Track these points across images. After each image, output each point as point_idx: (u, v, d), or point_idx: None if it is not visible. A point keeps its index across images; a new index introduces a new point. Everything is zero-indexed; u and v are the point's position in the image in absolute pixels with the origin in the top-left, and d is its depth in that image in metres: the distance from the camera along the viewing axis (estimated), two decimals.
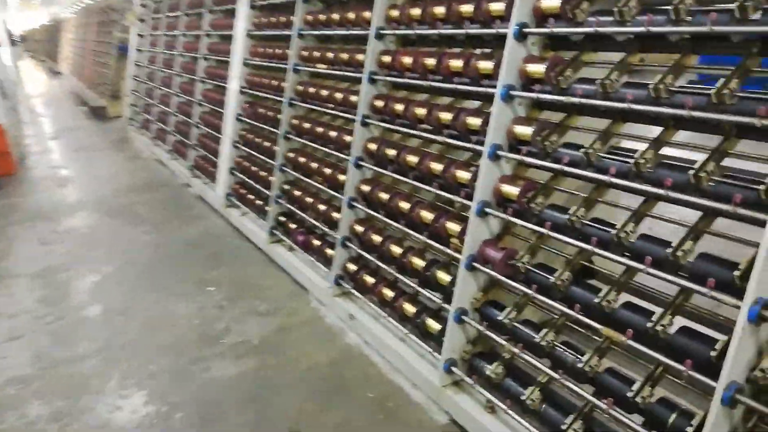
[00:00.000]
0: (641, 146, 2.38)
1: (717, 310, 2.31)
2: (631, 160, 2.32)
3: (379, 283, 3.75)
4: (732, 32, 2.13)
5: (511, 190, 2.82)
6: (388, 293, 3.64)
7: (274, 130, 5.27)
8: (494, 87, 2.90)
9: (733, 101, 2.07)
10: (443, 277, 3.22)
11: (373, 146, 3.89)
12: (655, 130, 2.41)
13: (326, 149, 4.48)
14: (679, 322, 2.23)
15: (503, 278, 2.81)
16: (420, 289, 3.38)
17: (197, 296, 4.55)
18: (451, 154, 3.50)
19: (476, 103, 3.36)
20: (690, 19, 2.17)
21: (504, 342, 2.80)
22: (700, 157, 2.16)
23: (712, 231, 2.23)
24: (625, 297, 2.45)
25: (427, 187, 3.38)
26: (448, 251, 3.16)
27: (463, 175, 3.10)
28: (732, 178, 2.05)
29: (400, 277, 3.56)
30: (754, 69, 2.13)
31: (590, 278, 2.71)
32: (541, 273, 2.66)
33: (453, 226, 3.15)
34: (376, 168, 3.85)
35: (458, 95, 3.50)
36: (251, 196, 5.74)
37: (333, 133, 4.38)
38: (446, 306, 3.11)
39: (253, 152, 5.70)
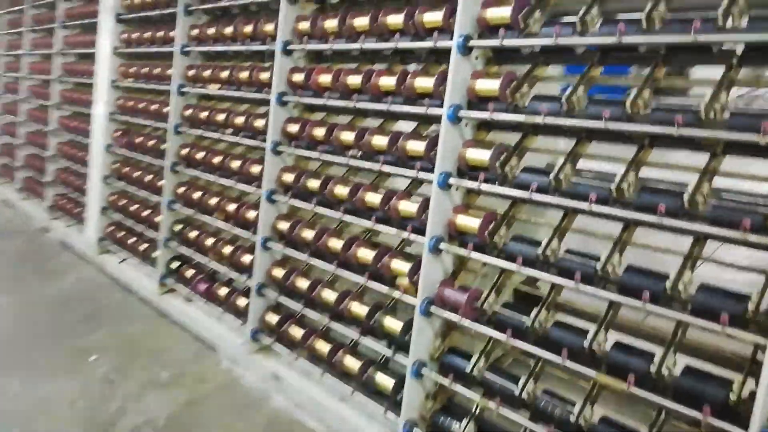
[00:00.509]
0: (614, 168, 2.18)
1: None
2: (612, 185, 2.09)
3: (309, 335, 3.25)
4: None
5: (470, 222, 2.49)
6: (323, 346, 3.15)
7: (158, 162, 4.56)
8: (437, 107, 2.58)
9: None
10: (391, 324, 2.81)
11: (289, 177, 3.40)
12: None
13: (227, 182, 3.89)
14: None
15: (469, 322, 2.46)
16: (362, 338, 2.93)
17: (77, 370, 3.72)
18: (385, 183, 3.11)
19: (410, 125, 3.01)
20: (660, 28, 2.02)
21: (476, 396, 2.44)
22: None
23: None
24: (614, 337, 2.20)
25: (362, 221, 2.95)
26: (395, 294, 2.76)
27: (409, 207, 2.72)
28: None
29: (337, 326, 3.10)
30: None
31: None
32: (516, 314, 2.35)
33: (399, 266, 2.76)
34: (298, 202, 3.35)
35: (390, 117, 3.14)
36: (132, 239, 4.94)
37: (235, 163, 3.81)
38: (398, 357, 2.71)
39: (131, 188, 4.93)
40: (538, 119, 2.28)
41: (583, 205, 2.14)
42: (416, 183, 2.92)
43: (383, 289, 2.84)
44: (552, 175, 2.22)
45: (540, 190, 2.25)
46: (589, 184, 2.17)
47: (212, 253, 4.03)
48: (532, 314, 2.29)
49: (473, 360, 2.48)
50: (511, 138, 2.54)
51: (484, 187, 2.44)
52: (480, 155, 2.48)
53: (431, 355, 2.66)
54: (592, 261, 2.14)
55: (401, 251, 2.88)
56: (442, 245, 2.55)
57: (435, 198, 2.56)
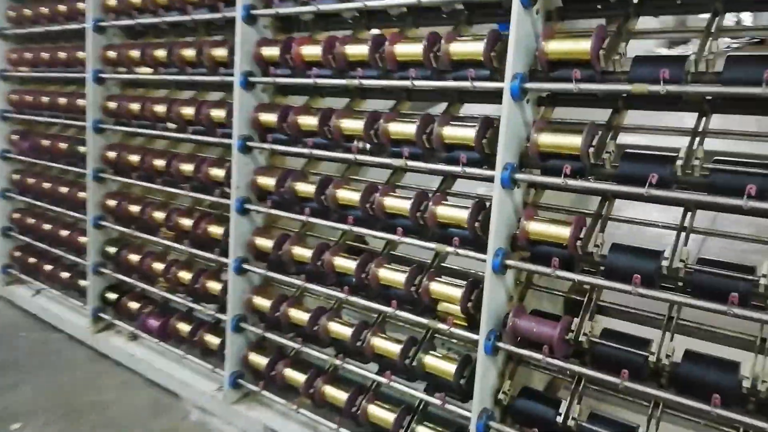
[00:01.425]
0: None
1: None
2: None
3: (313, 379, 2.55)
4: None
5: (555, 230, 1.88)
6: (333, 393, 2.47)
7: (75, 169, 3.63)
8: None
9: None
10: (437, 364, 2.18)
11: (267, 181, 2.66)
12: None
13: (178, 191, 3.07)
14: None
15: (563, 362, 1.88)
16: (391, 382, 2.28)
17: None
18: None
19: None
20: None
21: None
22: None
23: None
24: None
25: (381, 234, 2.28)
26: (440, 326, 2.13)
27: (452, 212, 2.08)
28: None
29: (351, 366, 2.43)
30: None
31: None
32: (626, 346, 1.79)
33: (445, 289, 2.12)
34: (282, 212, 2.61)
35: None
36: (49, 266, 3.96)
37: (186, 167, 2.99)
38: (462, 407, 2.09)
39: (41, 202, 3.94)
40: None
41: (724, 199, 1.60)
42: (450, 179, 2.29)
43: (420, 320, 2.20)
44: (680, 163, 1.66)
45: (662, 182, 1.68)
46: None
47: (164, 281, 3.21)
48: (654, 345, 1.75)
49: (564, 406, 1.91)
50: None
51: (571, 182, 1.83)
52: (564, 140, 1.85)
53: (497, 401, 2.06)
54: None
55: (438, 270, 2.24)
56: (509, 262, 1.94)
57: (498, 199, 1.93)
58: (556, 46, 1.82)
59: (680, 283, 1.74)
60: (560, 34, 1.86)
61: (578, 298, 2.11)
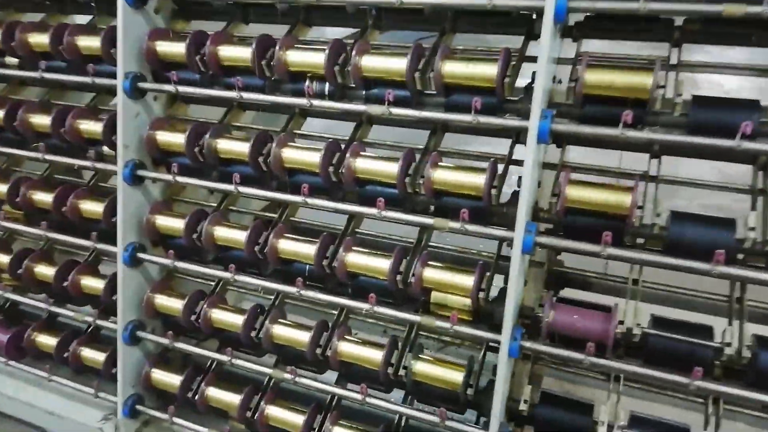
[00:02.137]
0: None
1: None
2: None
3: (250, 398, 1.94)
4: None
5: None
6: (279, 414, 1.90)
7: None
8: None
9: None
10: (433, 371, 1.70)
11: None
12: None
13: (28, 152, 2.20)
14: None
15: (618, 362, 1.49)
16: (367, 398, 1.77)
17: None
18: None
19: None
20: None
21: None
22: None
23: None
24: None
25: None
26: (439, 324, 1.65)
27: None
28: None
29: (306, 379, 1.87)
30: None
31: None
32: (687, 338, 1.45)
33: (449, 277, 1.64)
34: None
35: None
36: None
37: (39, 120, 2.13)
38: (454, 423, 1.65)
39: None
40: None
41: None
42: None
43: (408, 317, 1.70)
44: None
45: None
46: None
47: (10, 278, 2.33)
48: (723, 333, 1.43)
49: (603, 413, 1.54)
50: None
51: None
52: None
53: (515, 411, 1.64)
54: None
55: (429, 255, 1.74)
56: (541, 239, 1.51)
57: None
58: None
59: None
60: None
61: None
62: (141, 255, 2.03)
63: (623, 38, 1.58)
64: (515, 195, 1.63)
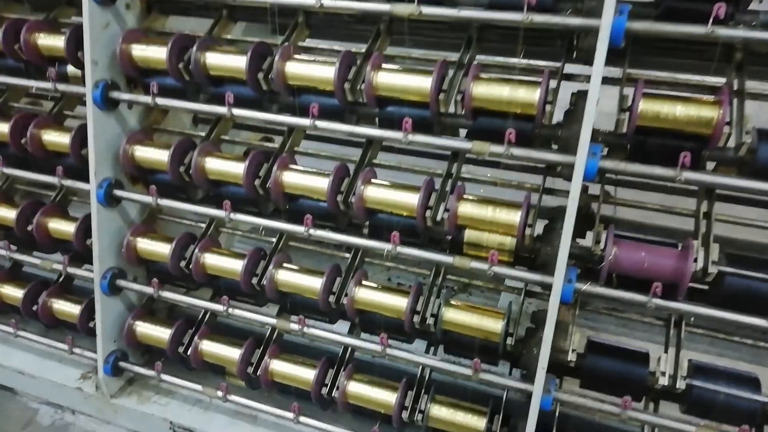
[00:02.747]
0: None
1: None
2: None
3: (251, 352, 1.72)
4: None
5: None
6: (283, 368, 1.68)
7: None
8: None
9: None
10: (465, 319, 1.49)
11: None
12: None
13: None
14: None
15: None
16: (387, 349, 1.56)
17: None
18: None
19: None
20: None
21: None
22: None
23: None
24: None
25: None
26: (473, 265, 1.42)
27: None
28: None
29: (315, 329, 1.64)
30: None
31: None
32: None
33: (495, 214, 1.40)
34: None
35: None
36: None
37: None
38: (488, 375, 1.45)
39: None
40: None
41: None
42: None
43: (436, 257, 1.47)
44: None
45: None
46: None
47: None
48: None
49: (664, 363, 1.36)
50: None
51: None
52: None
53: (558, 362, 1.45)
54: None
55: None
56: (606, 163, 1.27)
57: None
58: None
59: None
60: None
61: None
62: (118, 192, 1.75)
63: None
64: (569, 115, 1.39)
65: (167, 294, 1.77)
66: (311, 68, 1.50)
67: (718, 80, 1.33)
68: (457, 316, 1.48)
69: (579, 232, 1.44)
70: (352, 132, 1.49)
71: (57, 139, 1.83)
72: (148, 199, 1.70)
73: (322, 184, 1.52)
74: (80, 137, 1.75)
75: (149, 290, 1.77)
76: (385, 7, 1.39)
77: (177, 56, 1.61)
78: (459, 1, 1.39)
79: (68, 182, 1.81)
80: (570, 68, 1.45)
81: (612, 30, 1.17)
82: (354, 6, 1.43)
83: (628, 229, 1.46)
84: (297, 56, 1.54)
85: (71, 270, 1.88)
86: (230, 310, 1.69)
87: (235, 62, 1.56)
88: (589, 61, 1.21)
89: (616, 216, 1.58)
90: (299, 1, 1.49)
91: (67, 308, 1.92)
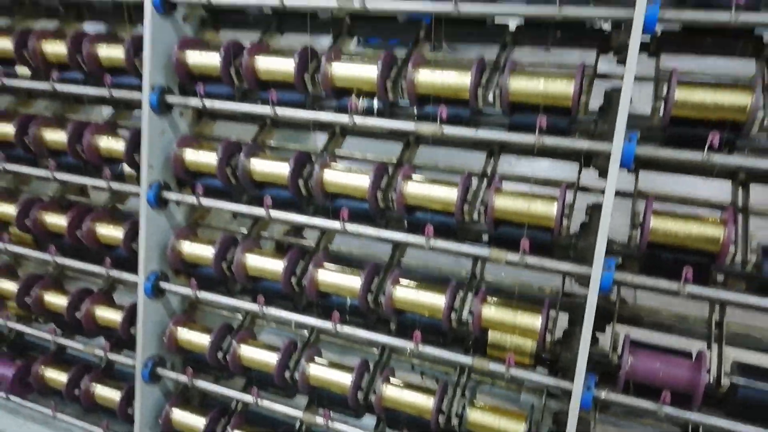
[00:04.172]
0: None
1: None
2: None
3: None
4: None
5: None
6: None
7: None
8: None
9: None
10: (486, 420, 1.54)
11: None
12: None
13: (39, 170, 2.04)
14: None
15: None
16: None
17: None
18: None
19: None
20: None
21: None
22: None
23: None
24: None
25: None
26: (493, 368, 1.49)
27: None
28: None
29: (343, 426, 1.69)
30: None
31: None
32: None
33: (522, 320, 1.48)
34: None
35: None
36: None
37: (53, 135, 1.98)
38: None
39: None
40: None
41: None
42: None
43: (459, 358, 1.54)
44: None
45: None
46: None
47: (17, 307, 2.16)
48: None
49: None
50: None
51: None
52: None
53: None
54: None
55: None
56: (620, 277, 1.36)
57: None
58: None
59: None
60: None
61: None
62: (164, 284, 1.87)
63: (704, 53, 1.46)
64: (584, 227, 1.49)
65: (201, 383, 1.85)
66: (347, 177, 1.64)
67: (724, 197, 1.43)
68: (481, 417, 1.53)
69: (598, 324, 1.51)
70: (379, 236, 1.61)
71: (109, 232, 1.98)
72: (190, 292, 1.82)
73: (355, 283, 1.62)
74: (131, 232, 1.91)
75: (184, 379, 1.86)
76: (410, 126, 1.54)
77: (225, 161, 1.77)
78: (481, 121, 1.54)
79: (116, 273, 1.95)
80: (586, 179, 1.57)
81: (623, 154, 1.29)
82: (383, 125, 1.58)
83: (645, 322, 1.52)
84: (334, 165, 1.68)
85: (113, 356, 1.99)
86: (259, 402, 1.76)
87: (279, 169, 1.71)
88: (603, 174, 1.31)
89: (635, 305, 1.65)
90: (336, 119, 1.64)
91: (107, 393, 2.01)
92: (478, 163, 1.65)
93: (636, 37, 1.24)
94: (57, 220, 2.05)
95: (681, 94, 1.27)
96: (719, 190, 1.51)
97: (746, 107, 1.23)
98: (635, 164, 1.43)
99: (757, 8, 1.23)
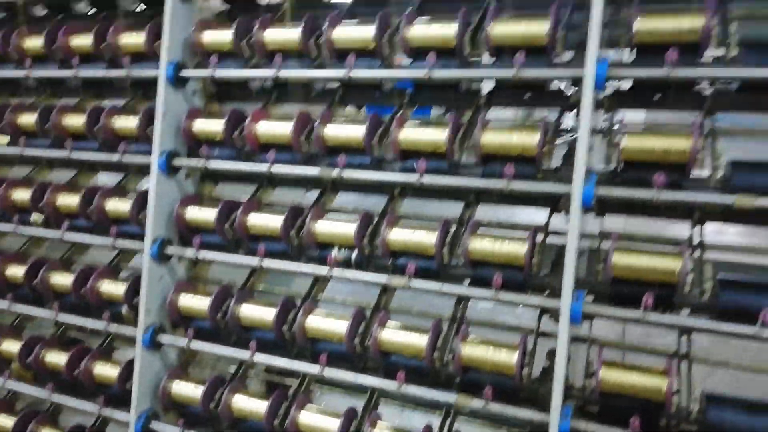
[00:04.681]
0: None
1: None
2: None
3: None
4: None
5: None
6: None
7: None
8: None
9: None
10: None
11: None
12: None
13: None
14: None
15: None
16: None
17: None
18: None
19: None
20: None
21: None
22: None
23: None
24: None
25: None
26: None
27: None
28: None
29: None
30: None
31: None
32: None
33: None
34: None
35: None
36: None
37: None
38: None
39: None
40: None
41: None
42: None
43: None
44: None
45: None
46: None
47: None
48: None
49: None
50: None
51: None
52: None
53: None
54: None
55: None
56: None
57: None
58: None
59: None
60: None
61: None
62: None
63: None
64: (545, 372, 1.61)
65: None
66: (327, 322, 1.79)
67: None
68: None
69: None
70: (355, 381, 1.73)
71: (104, 371, 2.09)
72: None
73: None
74: (126, 372, 2.02)
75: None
76: (382, 279, 1.71)
77: (216, 308, 1.91)
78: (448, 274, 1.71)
79: (107, 411, 2.03)
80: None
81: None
82: (360, 277, 1.75)
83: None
84: (316, 311, 1.83)
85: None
86: None
87: (264, 314, 1.86)
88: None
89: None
90: (316, 270, 1.82)
91: None
92: (448, 308, 1.80)
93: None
94: (57, 359, 2.17)
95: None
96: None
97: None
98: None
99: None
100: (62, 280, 2.19)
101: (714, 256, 1.59)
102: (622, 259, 1.46)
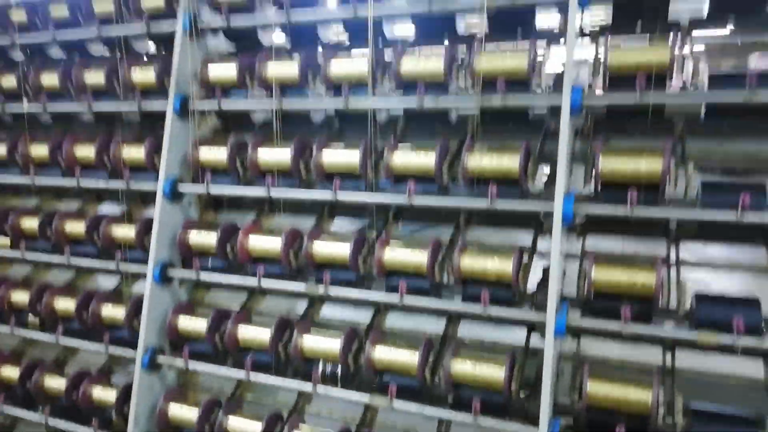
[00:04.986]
0: None
1: None
2: None
3: None
4: None
5: None
6: None
7: None
8: None
9: None
10: None
11: None
12: None
13: None
14: None
15: None
16: None
17: None
18: None
19: None
20: None
21: None
22: None
23: None
24: None
25: None
26: None
27: None
28: None
29: None
30: None
31: None
32: None
33: None
34: None
35: None
36: None
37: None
38: None
39: None
40: None
41: None
42: None
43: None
44: None
45: None
46: None
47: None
48: None
49: None
50: None
51: None
52: None
53: None
54: None
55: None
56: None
57: None
58: None
59: None
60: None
61: None
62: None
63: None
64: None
65: None
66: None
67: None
68: None
69: None
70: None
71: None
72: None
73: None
74: None
75: None
76: (365, 399, 1.76)
77: (204, 419, 1.94)
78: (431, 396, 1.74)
79: None
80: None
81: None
82: (343, 395, 1.81)
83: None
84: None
85: None
86: None
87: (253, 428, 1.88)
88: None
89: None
90: (301, 387, 1.86)
91: None
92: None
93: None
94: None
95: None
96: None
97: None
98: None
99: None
100: (54, 383, 2.25)
101: None
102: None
